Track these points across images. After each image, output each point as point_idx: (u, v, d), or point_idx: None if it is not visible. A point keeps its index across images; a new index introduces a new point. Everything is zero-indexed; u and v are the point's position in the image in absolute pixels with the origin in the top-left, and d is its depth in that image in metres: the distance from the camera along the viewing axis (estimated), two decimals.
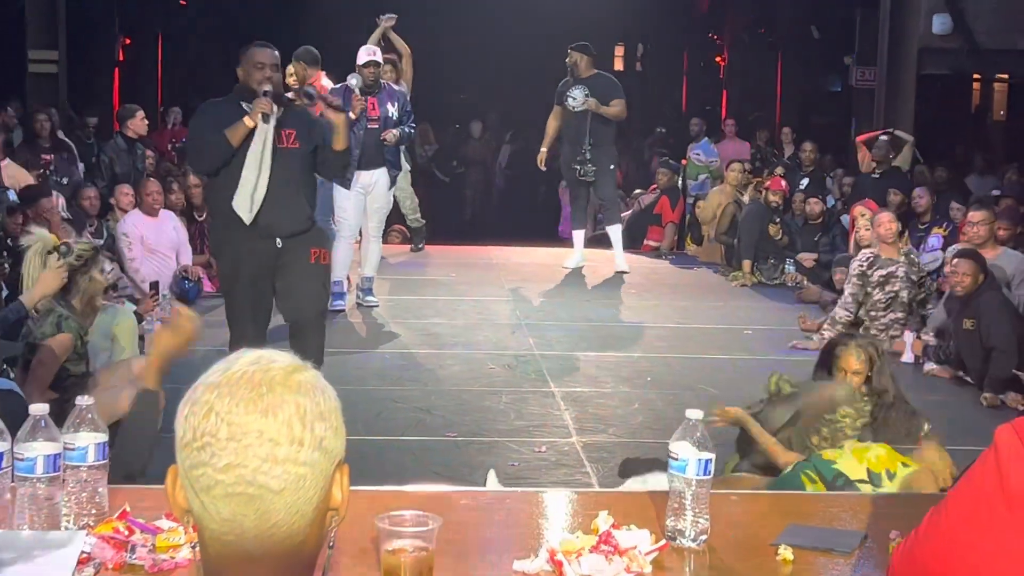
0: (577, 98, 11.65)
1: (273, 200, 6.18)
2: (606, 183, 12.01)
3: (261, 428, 1.51)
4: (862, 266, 9.27)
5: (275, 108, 6.07)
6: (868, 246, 9.59)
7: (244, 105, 6.19)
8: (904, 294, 9.25)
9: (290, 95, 6.62)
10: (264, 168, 6.10)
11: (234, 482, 1.51)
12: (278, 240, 6.29)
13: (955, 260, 8.41)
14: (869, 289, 9.24)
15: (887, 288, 9.22)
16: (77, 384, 5.77)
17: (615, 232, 12.19)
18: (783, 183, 12.72)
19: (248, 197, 6.11)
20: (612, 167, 12.16)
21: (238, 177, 6.15)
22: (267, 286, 6.40)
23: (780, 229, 12.25)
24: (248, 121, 6.06)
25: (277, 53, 6.32)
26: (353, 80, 8.95)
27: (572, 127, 11.79)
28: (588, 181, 11.83)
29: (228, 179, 6.19)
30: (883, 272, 9.22)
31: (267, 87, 6.06)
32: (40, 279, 5.63)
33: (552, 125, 12.04)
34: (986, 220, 9.21)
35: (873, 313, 9.25)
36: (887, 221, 9.34)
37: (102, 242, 9.22)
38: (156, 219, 10.07)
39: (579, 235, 12.39)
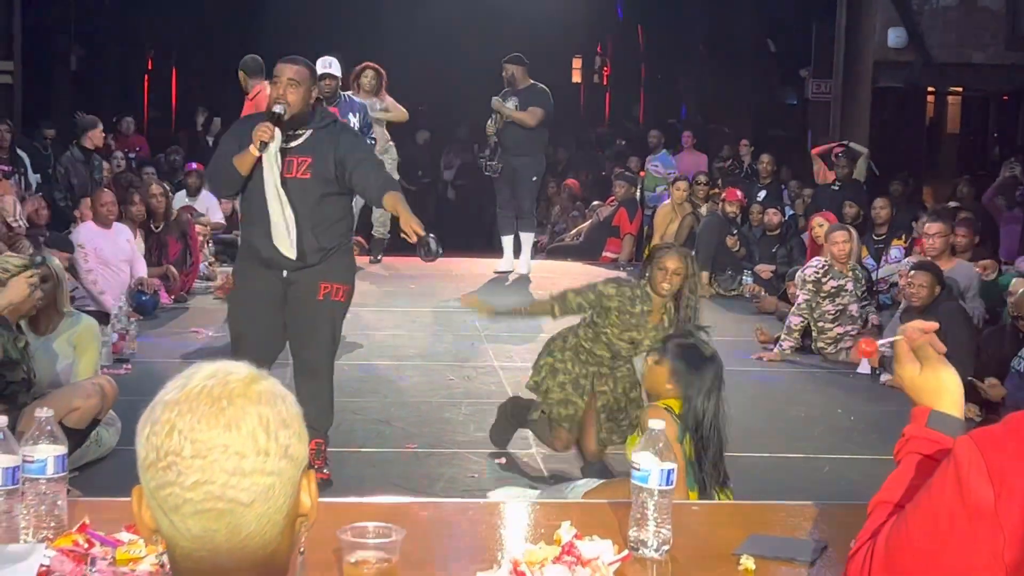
0: (511, 109, 11.87)
1: (275, 233, 5.70)
2: (525, 194, 12.13)
3: (226, 442, 1.50)
4: (817, 273, 9.34)
5: (276, 134, 5.55)
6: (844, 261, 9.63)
7: None
8: (853, 308, 9.33)
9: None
10: (284, 200, 5.62)
11: (203, 499, 1.50)
12: (284, 271, 5.80)
13: (911, 272, 8.48)
14: (820, 299, 9.31)
15: (837, 300, 9.30)
16: (20, 390, 5.70)
17: (527, 238, 12.43)
18: (739, 194, 12.78)
19: (284, 235, 5.66)
20: (534, 178, 12.18)
21: (256, 208, 5.74)
22: (276, 318, 5.87)
23: (738, 241, 12.30)
24: (252, 150, 5.55)
25: (301, 67, 5.65)
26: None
27: (503, 135, 12.04)
28: (491, 176, 12.05)
29: (249, 209, 5.82)
30: (835, 284, 9.30)
31: (276, 108, 5.51)
32: (9, 286, 5.56)
33: (490, 132, 12.25)
34: (942, 232, 9.29)
35: (822, 324, 9.32)
36: (841, 241, 9.38)
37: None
38: (109, 230, 9.95)
39: (507, 240, 12.56)
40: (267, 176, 5.62)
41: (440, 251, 5.58)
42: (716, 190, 13.80)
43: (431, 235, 5.48)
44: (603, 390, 6.12)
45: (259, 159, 5.61)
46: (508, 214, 12.40)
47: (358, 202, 11.92)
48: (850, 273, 9.39)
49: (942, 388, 2.19)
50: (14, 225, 9.45)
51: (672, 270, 5.82)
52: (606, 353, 6.06)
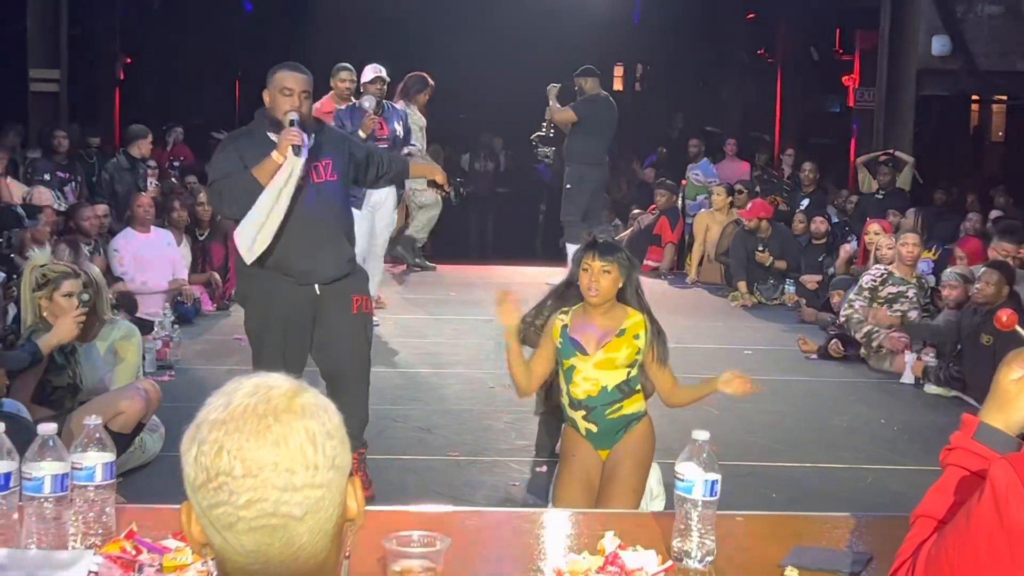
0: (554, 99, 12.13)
1: (312, 242, 5.52)
2: (564, 203, 12.13)
3: (275, 459, 1.52)
4: (874, 281, 9.30)
5: (306, 139, 5.37)
6: (891, 263, 9.59)
7: (272, 136, 5.48)
8: (912, 315, 9.26)
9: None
10: (281, 205, 5.39)
11: (256, 516, 1.51)
12: (317, 287, 5.62)
13: (983, 270, 8.43)
14: (876, 305, 9.27)
15: (895, 307, 9.25)
16: (66, 395, 5.77)
17: (569, 249, 12.22)
18: (751, 207, 12.65)
19: (252, 232, 5.43)
20: (568, 186, 12.05)
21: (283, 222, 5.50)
22: (304, 338, 5.70)
23: (769, 255, 12.21)
24: (276, 156, 5.34)
25: (309, 77, 5.55)
26: (367, 102, 9.32)
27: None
28: (546, 162, 12.56)
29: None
30: (894, 290, 9.26)
31: (293, 116, 5.36)
32: (57, 325, 5.60)
33: (547, 117, 12.47)
34: (1011, 254, 9.22)
35: (875, 329, 9.27)
36: (912, 243, 9.36)
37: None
38: (149, 235, 10.02)
39: (570, 250, 12.46)
40: (276, 179, 5.37)
41: (463, 192, 5.76)
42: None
43: (458, 179, 5.67)
44: None
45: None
46: (572, 222, 12.22)
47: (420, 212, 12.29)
48: (914, 280, 9.35)
49: (1019, 403, 2.12)
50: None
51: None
52: None
